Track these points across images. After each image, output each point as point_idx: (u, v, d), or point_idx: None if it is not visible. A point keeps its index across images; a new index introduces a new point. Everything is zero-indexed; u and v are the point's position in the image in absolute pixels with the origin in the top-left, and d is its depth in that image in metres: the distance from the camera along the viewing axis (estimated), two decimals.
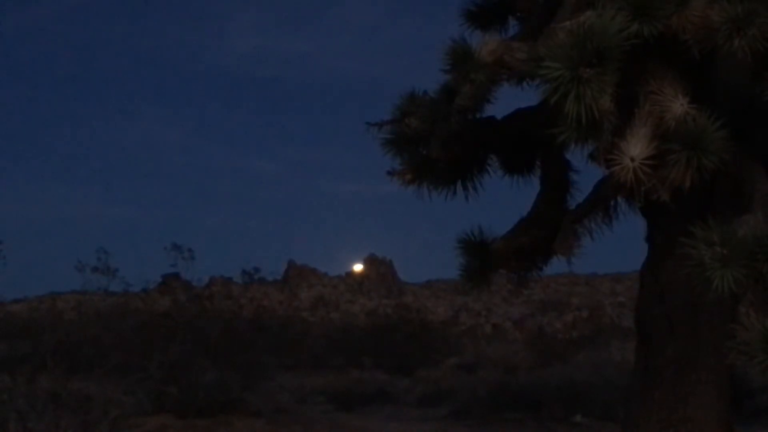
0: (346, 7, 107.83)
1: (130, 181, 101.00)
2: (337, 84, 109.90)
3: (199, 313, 19.54)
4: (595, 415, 18.13)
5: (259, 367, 19.31)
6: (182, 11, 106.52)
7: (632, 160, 6.77)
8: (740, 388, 12.91)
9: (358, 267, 69.02)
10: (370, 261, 68.85)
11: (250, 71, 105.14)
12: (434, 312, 55.72)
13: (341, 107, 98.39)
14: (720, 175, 7.04)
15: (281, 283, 62.46)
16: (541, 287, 57.14)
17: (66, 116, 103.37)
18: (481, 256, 9.13)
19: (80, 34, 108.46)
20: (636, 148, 6.80)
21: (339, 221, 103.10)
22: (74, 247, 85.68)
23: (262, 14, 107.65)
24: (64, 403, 12.68)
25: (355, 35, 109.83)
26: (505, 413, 18.86)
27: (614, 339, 33.75)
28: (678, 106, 6.93)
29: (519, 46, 7.78)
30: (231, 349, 18.41)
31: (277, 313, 35.60)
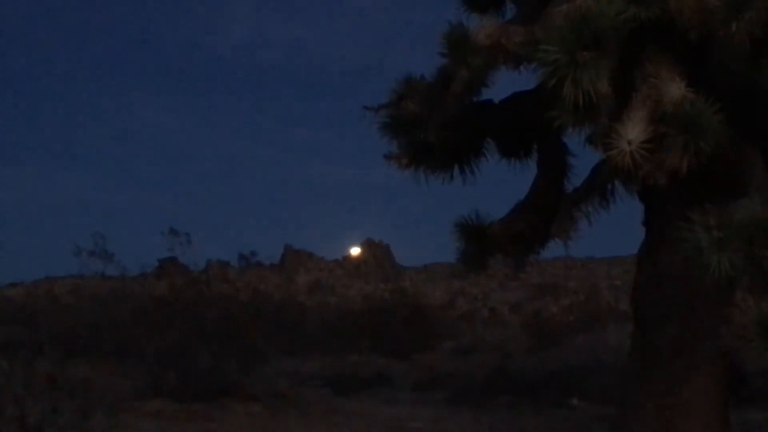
0: None
1: (127, 166, 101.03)
2: (335, 69, 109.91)
3: (196, 297, 19.47)
4: (591, 399, 18.12)
5: (256, 352, 19.27)
6: None
7: (629, 143, 6.77)
8: (736, 371, 12.94)
9: (355, 251, 69.09)
10: (367, 245, 68.92)
11: (247, 57, 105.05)
12: (431, 296, 55.67)
13: (338, 92, 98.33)
14: (717, 159, 7.04)
15: (278, 267, 62.41)
16: (537, 271, 57.13)
17: (63, 102, 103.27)
18: (477, 241, 9.14)
19: (79, 21, 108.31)
20: (633, 131, 6.81)
21: (336, 205, 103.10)
22: (71, 231, 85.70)
23: (260, 0, 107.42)
24: (61, 388, 12.67)
25: (353, 20, 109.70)
26: (502, 397, 18.86)
27: (611, 323, 33.76)
28: (675, 90, 6.93)
29: (516, 30, 7.78)
30: (228, 334, 18.36)
31: (274, 298, 35.44)
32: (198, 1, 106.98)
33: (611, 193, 9.11)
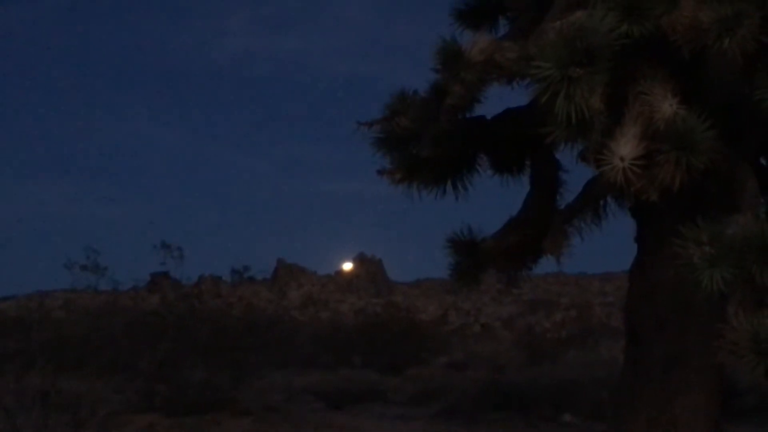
0: (339, 6, 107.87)
1: (119, 179, 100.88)
2: (328, 83, 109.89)
3: (188, 311, 19.49)
4: (583, 415, 18.14)
5: (248, 366, 19.28)
6: (175, 10, 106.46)
7: (622, 160, 6.79)
8: (729, 387, 12.98)
9: (347, 266, 69.05)
10: (359, 260, 68.87)
11: (241, 70, 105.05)
12: (423, 311, 55.70)
13: (332, 106, 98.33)
14: (709, 174, 7.06)
15: (270, 281, 62.47)
16: (530, 287, 57.13)
17: (56, 114, 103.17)
18: (470, 256, 9.14)
19: (72, 33, 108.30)
20: (625, 148, 6.82)
21: (328, 220, 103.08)
22: (63, 245, 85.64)
23: (255, 13, 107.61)
24: (52, 402, 12.66)
25: (347, 34, 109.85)
26: (494, 412, 18.87)
27: (603, 338, 33.82)
28: (667, 106, 6.95)
29: (509, 45, 7.80)
30: (220, 348, 18.38)
31: (266, 312, 35.53)
32: (193, 13, 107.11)
33: (604, 209, 9.14)
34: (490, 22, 9.59)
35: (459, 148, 8.90)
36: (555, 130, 6.85)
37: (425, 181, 9.03)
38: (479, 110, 8.58)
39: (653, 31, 6.95)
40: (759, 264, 6.52)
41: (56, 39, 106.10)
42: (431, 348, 33.49)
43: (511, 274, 9.64)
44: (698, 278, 6.51)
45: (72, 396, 13.40)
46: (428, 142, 8.51)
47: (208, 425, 16.28)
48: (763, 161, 8.89)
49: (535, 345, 33.26)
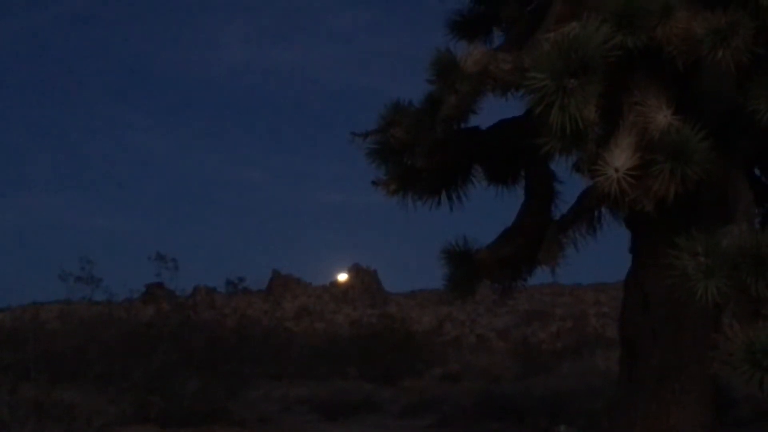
0: (333, 17, 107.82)
1: (114, 190, 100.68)
2: (324, 94, 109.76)
3: (183, 322, 19.46)
4: (579, 425, 18.11)
5: (243, 377, 19.26)
6: (170, 22, 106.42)
7: (616, 170, 6.80)
8: (725, 396, 12.96)
9: (342, 277, 68.89)
10: (354, 271, 68.73)
11: (237, 81, 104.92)
12: (418, 322, 55.59)
13: (327, 117, 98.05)
14: (704, 185, 7.08)
15: (265, 292, 62.29)
16: (525, 297, 57.04)
17: (51, 125, 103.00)
18: (465, 266, 9.14)
19: (67, 43, 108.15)
20: (620, 158, 6.83)
21: (323, 231, 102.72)
22: (58, 256, 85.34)
23: (250, 25, 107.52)
24: (47, 413, 12.64)
25: (343, 45, 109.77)
26: (489, 423, 18.84)
27: (598, 349, 33.76)
28: (662, 117, 6.96)
29: (504, 56, 7.81)
30: (215, 359, 18.36)
31: (261, 323, 35.47)
32: (188, 25, 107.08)
33: (598, 219, 9.14)
34: (484, 33, 9.61)
35: (453, 159, 8.90)
36: (549, 141, 6.86)
37: (420, 191, 9.03)
38: (474, 121, 8.60)
39: (647, 42, 6.97)
40: (754, 275, 6.53)
41: (53, 50, 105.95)
42: (426, 359, 33.44)
43: (505, 285, 9.64)
44: (693, 289, 6.52)
45: (67, 407, 13.37)
46: (423, 153, 8.51)
47: None
48: (757, 172, 8.92)
49: (531, 356, 33.21)
